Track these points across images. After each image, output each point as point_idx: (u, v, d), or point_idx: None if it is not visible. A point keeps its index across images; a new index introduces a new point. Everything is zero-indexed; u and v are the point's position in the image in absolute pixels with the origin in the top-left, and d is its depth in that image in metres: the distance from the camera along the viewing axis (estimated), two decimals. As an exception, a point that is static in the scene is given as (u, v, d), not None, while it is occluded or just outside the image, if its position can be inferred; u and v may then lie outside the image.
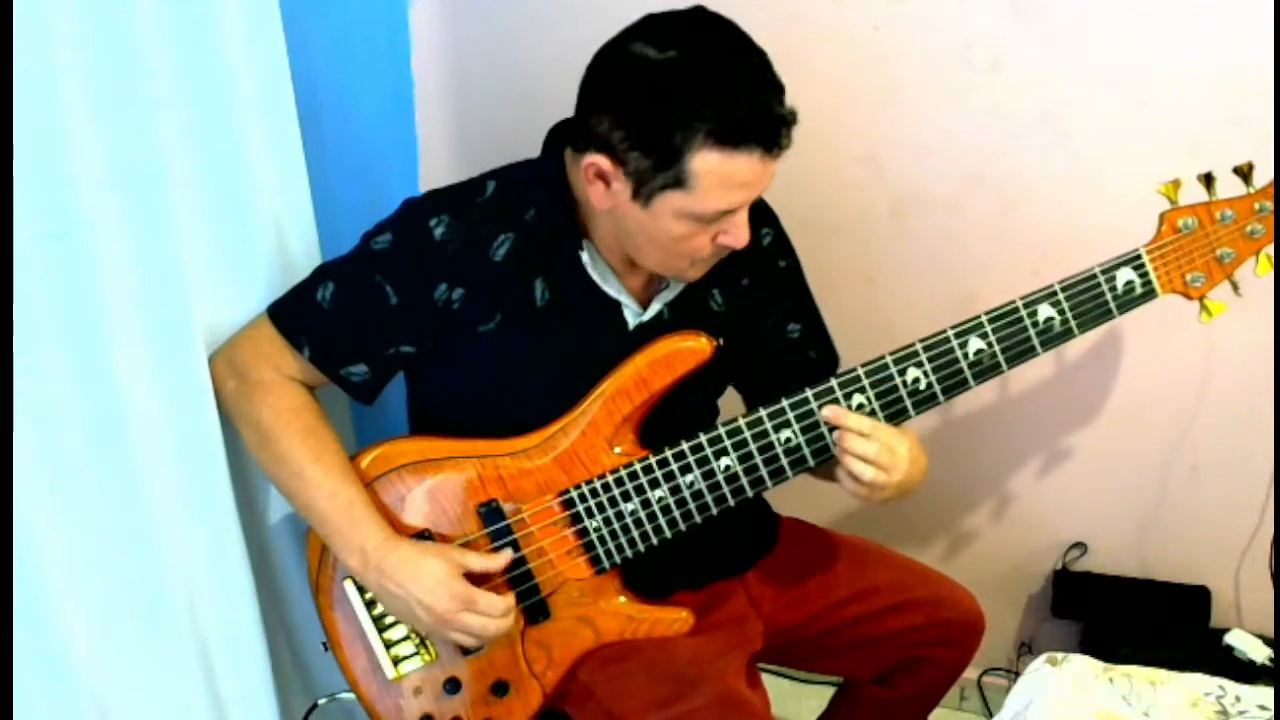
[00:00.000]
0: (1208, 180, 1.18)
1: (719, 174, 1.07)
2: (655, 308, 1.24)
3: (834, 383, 1.17)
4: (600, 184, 1.12)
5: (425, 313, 1.18)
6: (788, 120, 1.08)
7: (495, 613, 1.17)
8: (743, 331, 1.27)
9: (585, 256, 1.20)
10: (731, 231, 1.14)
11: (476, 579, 1.18)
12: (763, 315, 1.32)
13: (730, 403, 1.35)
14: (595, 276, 1.21)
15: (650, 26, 1.09)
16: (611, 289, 1.22)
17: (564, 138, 1.19)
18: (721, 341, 1.20)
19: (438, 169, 1.64)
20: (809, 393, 1.17)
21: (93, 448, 1.06)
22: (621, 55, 1.09)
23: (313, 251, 1.33)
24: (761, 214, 1.30)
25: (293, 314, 1.21)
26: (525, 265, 1.19)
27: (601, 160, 1.10)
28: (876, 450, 1.14)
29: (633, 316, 1.23)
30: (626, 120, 1.08)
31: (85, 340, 1.04)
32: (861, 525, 1.69)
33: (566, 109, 1.15)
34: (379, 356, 1.21)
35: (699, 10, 1.11)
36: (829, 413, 1.17)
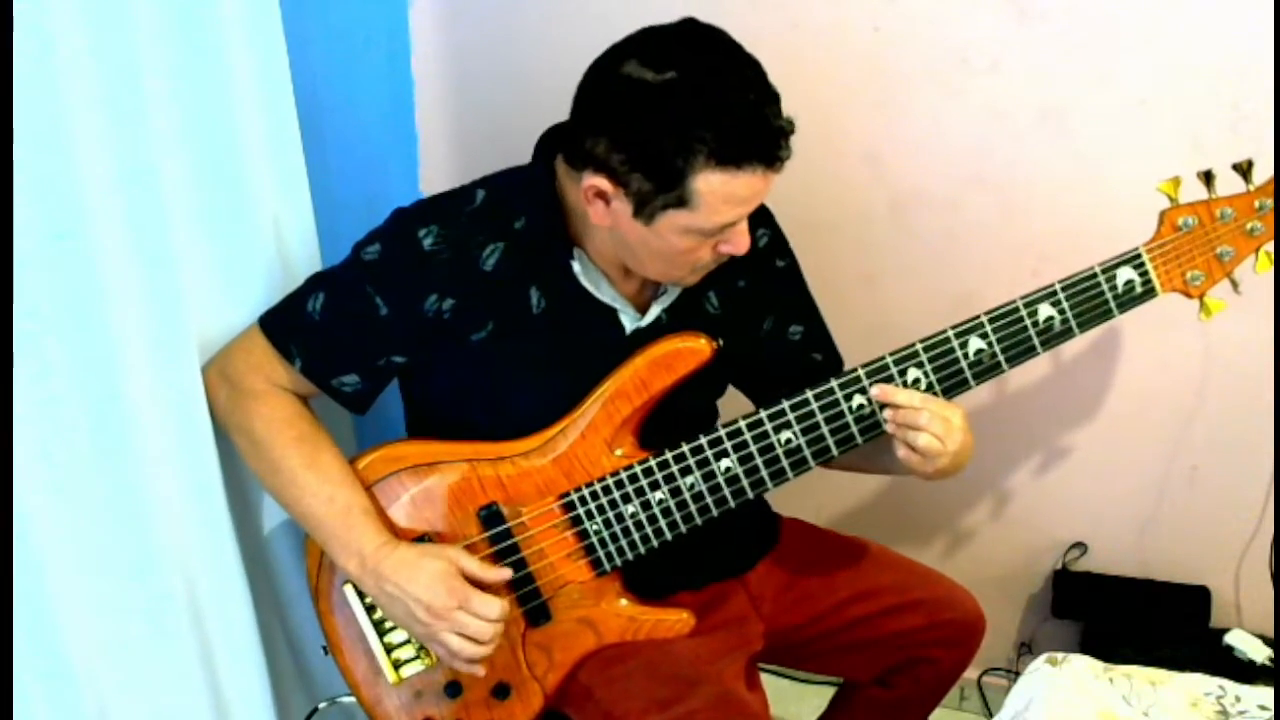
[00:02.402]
0: (1207, 178, 1.18)
1: (722, 192, 1.07)
2: (653, 313, 1.24)
3: (834, 384, 1.17)
4: (600, 203, 1.12)
5: (415, 323, 1.18)
6: (786, 131, 1.08)
7: (491, 615, 1.16)
8: (740, 334, 1.27)
9: (576, 265, 1.19)
10: (733, 240, 1.14)
11: (474, 585, 1.18)
12: (760, 316, 1.32)
13: (729, 405, 1.35)
14: (587, 284, 1.20)
15: (643, 45, 1.08)
16: (605, 296, 1.21)
17: (554, 146, 1.18)
18: (721, 342, 1.20)
19: (438, 169, 1.64)
20: (809, 393, 1.17)
21: (93, 448, 1.06)
22: (617, 76, 1.07)
23: (313, 252, 1.33)
24: (758, 215, 1.29)
25: (284, 324, 1.21)
26: (516, 274, 1.19)
27: (601, 181, 1.09)
28: (928, 418, 1.13)
29: (630, 322, 1.23)
30: (626, 143, 1.07)
31: (86, 340, 1.04)
32: (862, 525, 1.70)
33: (566, 109, 1.15)
34: (370, 367, 1.21)
35: (690, 24, 1.09)
36: (877, 391, 1.16)
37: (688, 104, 1.04)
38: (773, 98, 1.07)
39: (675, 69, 1.05)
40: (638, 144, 1.06)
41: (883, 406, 1.16)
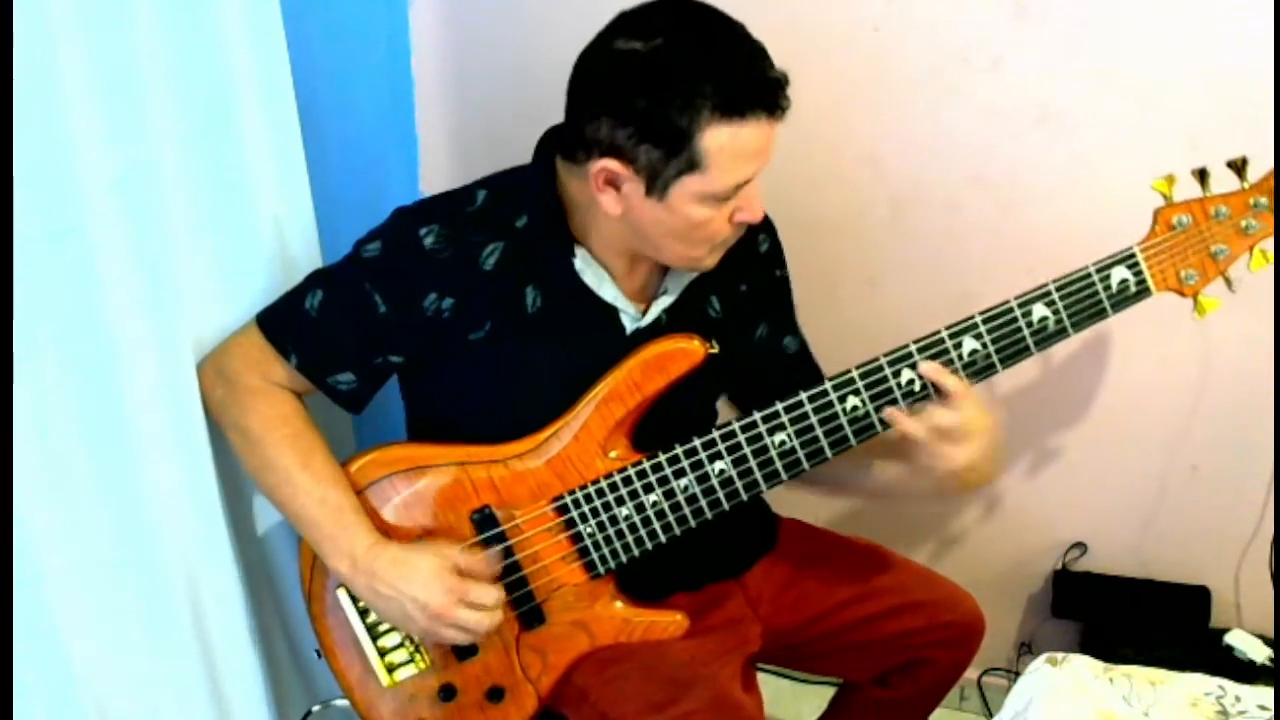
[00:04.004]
0: (1202, 175, 1.17)
1: (730, 147, 1.07)
2: (654, 313, 1.23)
3: (828, 385, 1.17)
4: (611, 190, 1.11)
5: (414, 322, 1.18)
6: (782, 81, 1.08)
7: (488, 604, 1.16)
8: (739, 339, 1.27)
9: (578, 262, 1.19)
10: (747, 206, 1.14)
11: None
12: (756, 322, 1.32)
13: (728, 407, 1.35)
14: (590, 281, 1.20)
15: (627, 22, 1.08)
16: (608, 294, 1.21)
17: (554, 144, 1.18)
18: (714, 343, 1.20)
19: (438, 169, 1.65)
20: (803, 395, 1.17)
21: (93, 449, 1.07)
22: (608, 55, 1.08)
23: (313, 251, 1.34)
24: (761, 221, 1.29)
25: (281, 322, 1.21)
26: (516, 273, 1.19)
27: (610, 163, 1.09)
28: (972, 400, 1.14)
29: (630, 321, 1.23)
30: (629, 117, 1.07)
31: (86, 340, 1.04)
32: (861, 526, 1.69)
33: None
34: (367, 365, 1.21)
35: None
36: (927, 368, 1.15)
37: (682, 63, 1.05)
38: (762, 52, 1.08)
39: (662, 35, 1.05)
40: (640, 113, 1.06)
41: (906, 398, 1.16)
